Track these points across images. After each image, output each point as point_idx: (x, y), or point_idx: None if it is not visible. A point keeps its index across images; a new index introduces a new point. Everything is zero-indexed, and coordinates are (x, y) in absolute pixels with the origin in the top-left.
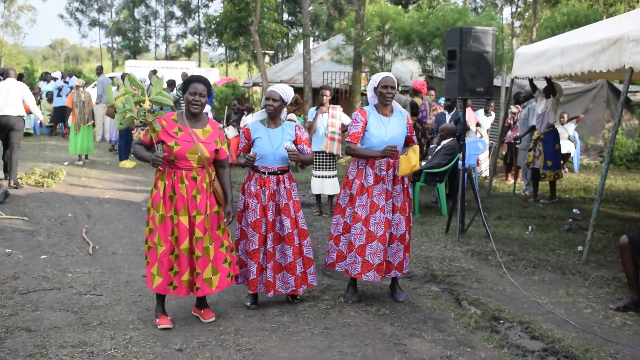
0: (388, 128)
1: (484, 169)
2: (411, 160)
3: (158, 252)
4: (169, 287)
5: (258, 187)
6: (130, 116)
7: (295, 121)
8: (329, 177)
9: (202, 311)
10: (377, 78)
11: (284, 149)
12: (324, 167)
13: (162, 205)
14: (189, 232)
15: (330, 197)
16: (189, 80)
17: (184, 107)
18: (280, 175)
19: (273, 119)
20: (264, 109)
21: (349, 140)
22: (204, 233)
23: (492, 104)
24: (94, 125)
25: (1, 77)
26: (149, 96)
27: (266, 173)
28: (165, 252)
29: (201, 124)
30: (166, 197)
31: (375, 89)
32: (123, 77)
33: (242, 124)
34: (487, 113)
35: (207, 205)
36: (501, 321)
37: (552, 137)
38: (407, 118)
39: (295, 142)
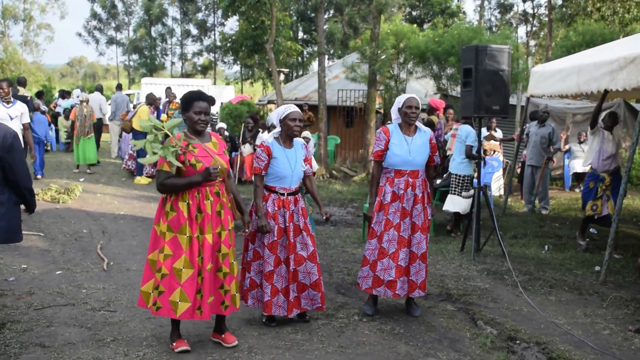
0: (411, 147)
1: (497, 187)
2: None
3: (183, 276)
4: (196, 312)
5: (276, 209)
6: (174, 151)
7: (310, 138)
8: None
9: (223, 335)
10: (402, 99)
11: (301, 169)
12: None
13: (187, 227)
14: (212, 250)
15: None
16: (191, 99)
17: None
18: (296, 195)
19: (292, 139)
20: (284, 130)
21: (373, 158)
22: (229, 249)
23: (494, 120)
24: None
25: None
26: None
27: (285, 194)
28: (194, 275)
29: (207, 138)
30: (192, 218)
31: (399, 109)
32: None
33: (258, 142)
34: (489, 130)
35: (228, 221)
36: (518, 341)
37: (618, 177)
38: (431, 137)
39: (304, 160)
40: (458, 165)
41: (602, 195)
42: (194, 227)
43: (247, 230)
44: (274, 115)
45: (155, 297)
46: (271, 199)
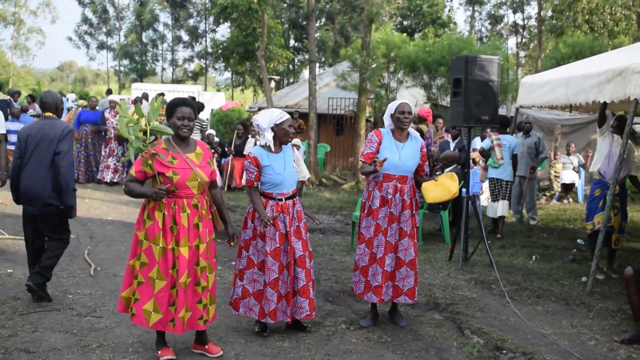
0: (402, 153)
1: (486, 197)
2: (451, 189)
3: (156, 287)
4: (169, 324)
5: (275, 214)
6: (139, 147)
7: (300, 146)
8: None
9: (207, 346)
10: (394, 105)
11: (292, 169)
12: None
13: (161, 238)
14: (189, 263)
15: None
16: (174, 105)
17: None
18: (294, 199)
19: (282, 144)
20: (279, 135)
21: (363, 159)
22: (206, 261)
23: (489, 130)
24: None
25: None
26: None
27: (283, 199)
28: (167, 287)
29: (191, 147)
30: (166, 229)
31: (392, 115)
32: (139, 99)
33: (248, 145)
34: (483, 139)
35: (207, 233)
36: (504, 351)
37: (625, 189)
38: (422, 145)
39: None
40: (510, 173)
41: (613, 207)
42: (169, 239)
43: (232, 243)
44: (263, 119)
45: (132, 303)
46: (269, 205)
